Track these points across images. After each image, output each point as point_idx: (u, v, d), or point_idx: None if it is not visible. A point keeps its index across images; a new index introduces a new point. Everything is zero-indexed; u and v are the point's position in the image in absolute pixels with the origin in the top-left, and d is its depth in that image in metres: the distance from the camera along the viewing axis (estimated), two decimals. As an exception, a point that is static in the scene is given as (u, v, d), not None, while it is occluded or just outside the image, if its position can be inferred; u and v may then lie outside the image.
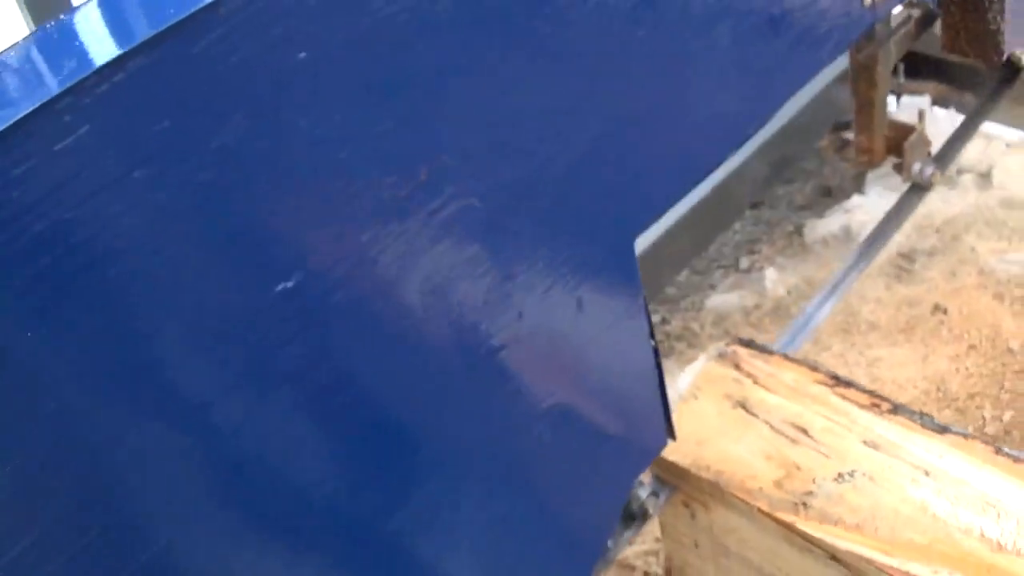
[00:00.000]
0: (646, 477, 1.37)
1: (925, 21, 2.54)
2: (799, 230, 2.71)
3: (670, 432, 1.25)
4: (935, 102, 2.89)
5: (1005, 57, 1.62)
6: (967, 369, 2.28)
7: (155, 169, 0.64)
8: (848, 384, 1.39)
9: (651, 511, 1.36)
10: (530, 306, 0.97)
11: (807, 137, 2.90)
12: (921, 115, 2.60)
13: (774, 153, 2.78)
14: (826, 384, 1.39)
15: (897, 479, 1.26)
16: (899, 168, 2.75)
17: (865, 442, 1.31)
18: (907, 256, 2.57)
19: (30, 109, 0.57)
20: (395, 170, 0.80)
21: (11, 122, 0.57)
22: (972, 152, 2.78)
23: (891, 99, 2.76)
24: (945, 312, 2.41)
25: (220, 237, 0.71)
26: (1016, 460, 1.27)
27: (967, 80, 2.81)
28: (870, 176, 2.82)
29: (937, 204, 2.72)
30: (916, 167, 1.90)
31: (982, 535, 1.19)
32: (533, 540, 1.14)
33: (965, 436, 1.30)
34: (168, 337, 0.71)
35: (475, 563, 1.08)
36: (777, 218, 2.78)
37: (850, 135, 3.05)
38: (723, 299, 2.50)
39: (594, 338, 1.08)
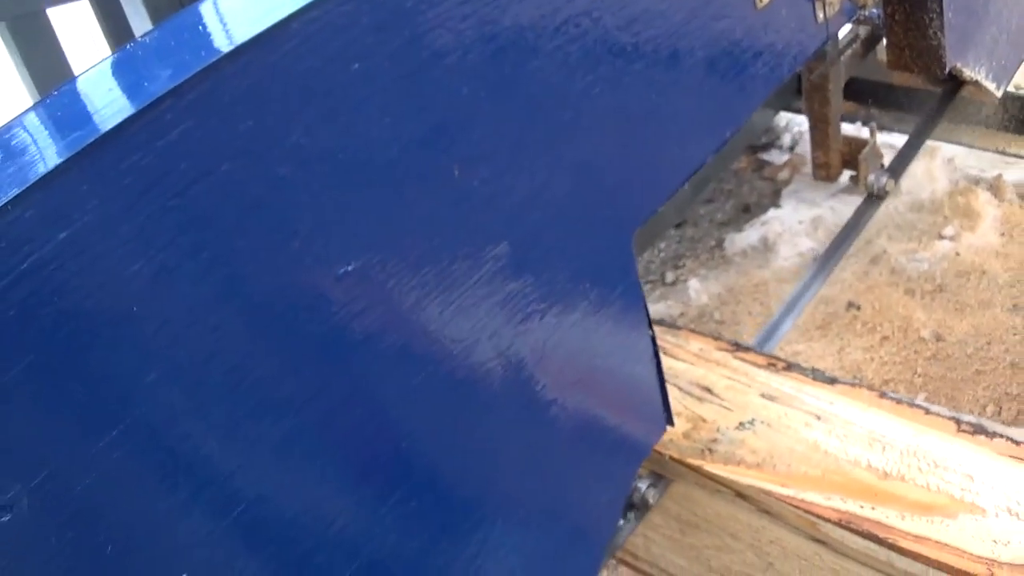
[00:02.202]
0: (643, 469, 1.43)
1: (871, 41, 2.71)
2: (720, 244, 2.86)
3: (668, 418, 1.34)
4: (844, 119, 3.06)
5: (947, 71, 1.72)
6: (881, 358, 2.42)
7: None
8: (747, 349, 1.53)
9: (651, 501, 1.44)
10: (545, 303, 1.07)
11: (724, 160, 3.08)
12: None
13: (695, 176, 2.92)
14: (727, 350, 1.54)
15: (792, 424, 1.40)
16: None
17: (763, 395, 1.45)
18: (822, 260, 2.71)
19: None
20: (432, 169, 0.92)
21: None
22: (880, 161, 2.94)
23: (805, 118, 2.94)
24: (858, 308, 2.56)
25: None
26: (899, 402, 1.41)
27: (881, 97, 2.99)
28: (785, 191, 2.99)
29: (848, 211, 2.87)
30: (871, 178, 2.05)
31: (869, 465, 1.33)
32: (544, 538, 1.20)
33: (852, 384, 1.45)
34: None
35: (491, 563, 1.12)
36: (700, 235, 2.93)
37: (765, 155, 3.24)
38: (652, 309, 2.63)
39: (602, 330, 1.18)
